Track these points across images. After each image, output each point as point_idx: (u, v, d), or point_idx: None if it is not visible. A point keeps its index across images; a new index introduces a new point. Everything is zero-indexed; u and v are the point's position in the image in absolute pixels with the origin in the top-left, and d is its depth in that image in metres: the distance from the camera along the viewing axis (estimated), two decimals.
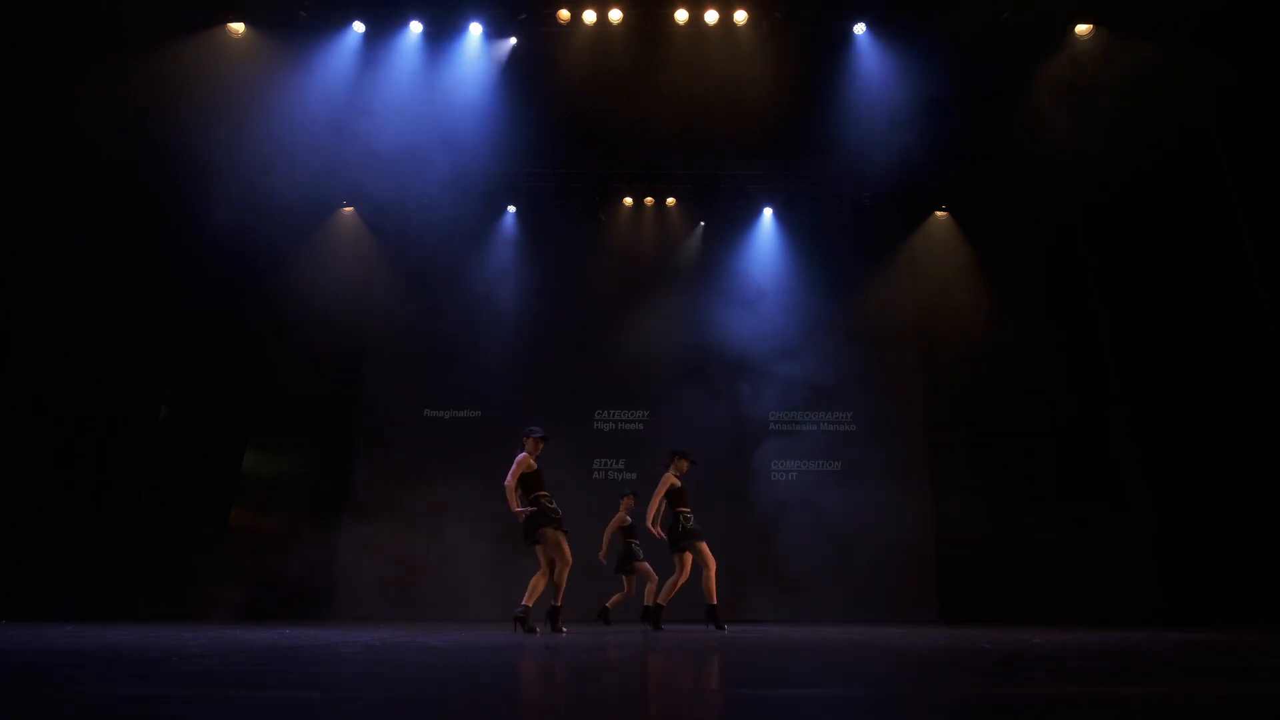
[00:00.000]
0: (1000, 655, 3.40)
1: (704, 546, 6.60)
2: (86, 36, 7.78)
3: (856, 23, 8.87)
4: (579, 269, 11.08)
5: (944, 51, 8.61)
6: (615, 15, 8.64)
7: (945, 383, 10.20)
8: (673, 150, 10.33)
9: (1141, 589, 8.29)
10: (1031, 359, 9.57)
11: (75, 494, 8.04)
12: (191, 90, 8.21)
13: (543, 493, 5.89)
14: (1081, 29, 8.53)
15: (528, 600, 5.68)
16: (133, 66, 7.91)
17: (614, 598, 7.72)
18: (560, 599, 5.84)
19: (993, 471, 9.40)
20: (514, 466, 5.85)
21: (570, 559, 5.78)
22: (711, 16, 8.64)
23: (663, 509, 6.74)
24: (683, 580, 6.63)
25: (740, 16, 8.64)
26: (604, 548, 7.60)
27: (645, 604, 7.40)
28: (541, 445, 6.05)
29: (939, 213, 10.99)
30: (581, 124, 9.76)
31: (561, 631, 5.70)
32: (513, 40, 9.13)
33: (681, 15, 8.63)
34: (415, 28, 8.92)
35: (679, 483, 6.80)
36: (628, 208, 11.25)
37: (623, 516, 7.65)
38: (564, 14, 8.66)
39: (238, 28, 8.69)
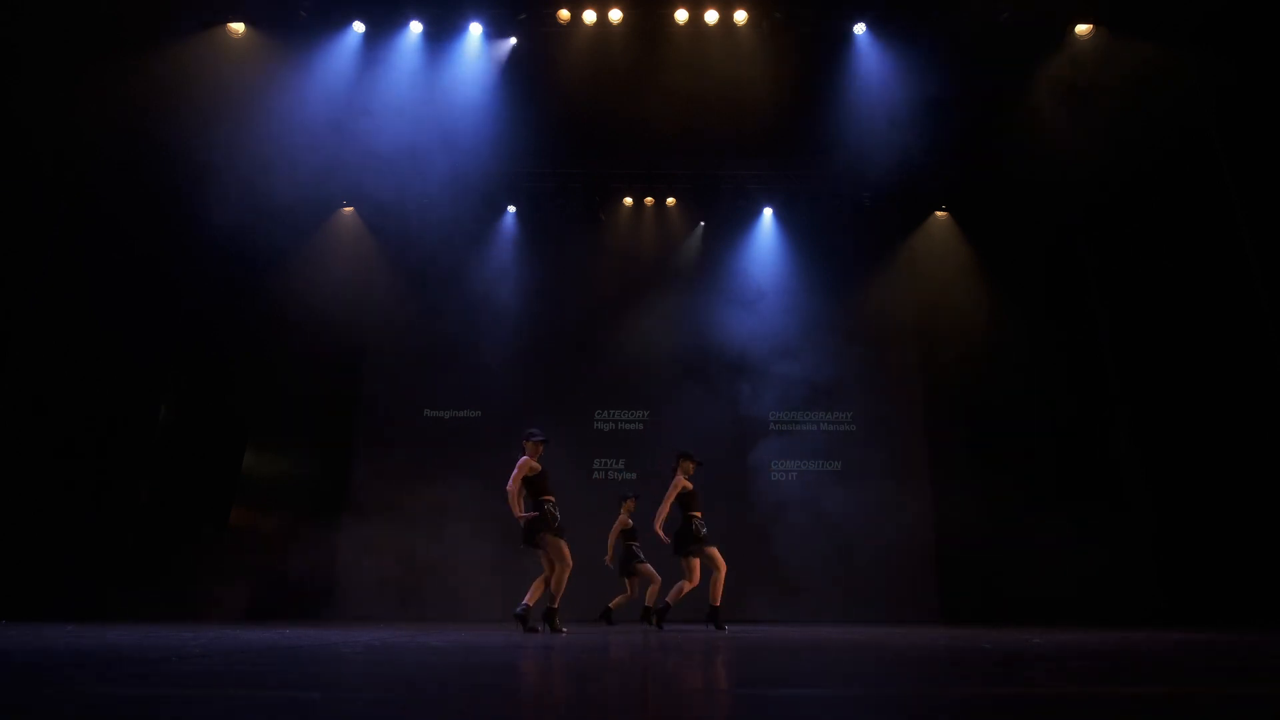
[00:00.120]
0: (1000, 655, 3.40)
1: (715, 552, 6.58)
2: (86, 36, 7.77)
3: (856, 23, 8.87)
4: (579, 269, 11.08)
5: (944, 51, 8.61)
6: (615, 15, 8.64)
7: (945, 383, 10.21)
8: (673, 150, 10.33)
9: (1141, 589, 8.29)
10: (1031, 359, 9.57)
11: (75, 494, 8.03)
12: (191, 90, 8.21)
13: (548, 497, 5.87)
14: (1081, 29, 8.53)
15: (529, 600, 5.68)
16: (133, 66, 7.90)
17: (617, 599, 7.71)
18: (558, 600, 5.84)
19: (993, 471, 9.40)
20: (516, 470, 5.81)
21: (570, 563, 5.78)
22: (711, 16, 8.64)
23: (672, 512, 6.71)
24: (691, 586, 6.60)
25: (740, 16, 8.64)
26: (609, 552, 7.56)
27: (645, 604, 7.39)
28: (542, 448, 6.01)
29: (939, 213, 10.99)
30: (581, 124, 9.75)
31: (561, 631, 5.70)
32: (513, 40, 9.14)
33: (681, 15, 8.64)
34: (415, 28, 8.92)
35: (690, 485, 6.76)
36: (628, 208, 11.25)
37: (624, 519, 7.62)
38: (564, 14, 8.66)
39: (238, 28, 8.70)
